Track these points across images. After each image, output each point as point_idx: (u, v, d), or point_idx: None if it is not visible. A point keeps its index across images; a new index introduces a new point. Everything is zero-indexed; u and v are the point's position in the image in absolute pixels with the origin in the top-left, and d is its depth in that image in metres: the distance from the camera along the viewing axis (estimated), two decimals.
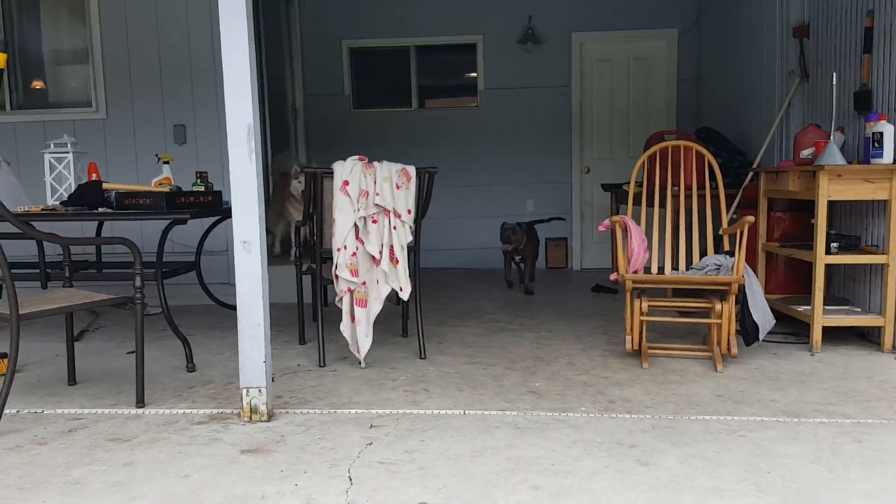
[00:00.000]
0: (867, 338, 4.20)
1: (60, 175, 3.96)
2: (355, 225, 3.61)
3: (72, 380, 3.46)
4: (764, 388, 3.31)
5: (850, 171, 3.86)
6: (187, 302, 5.17)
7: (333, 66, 7.52)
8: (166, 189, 3.79)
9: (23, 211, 3.67)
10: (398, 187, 3.67)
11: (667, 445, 2.62)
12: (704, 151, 4.04)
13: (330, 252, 3.70)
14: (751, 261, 4.61)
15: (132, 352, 3.95)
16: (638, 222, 3.89)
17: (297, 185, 5.46)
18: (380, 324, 4.06)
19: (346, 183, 3.59)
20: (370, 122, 7.54)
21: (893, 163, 3.79)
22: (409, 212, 3.71)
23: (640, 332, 3.79)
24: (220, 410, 3.05)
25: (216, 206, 3.95)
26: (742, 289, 3.69)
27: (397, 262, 3.67)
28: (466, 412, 3.01)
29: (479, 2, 7.39)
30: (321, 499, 2.22)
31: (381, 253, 3.64)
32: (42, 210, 3.71)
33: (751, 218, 3.52)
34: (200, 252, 4.60)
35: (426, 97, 7.63)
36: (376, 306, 3.70)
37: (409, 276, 3.73)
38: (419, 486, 2.29)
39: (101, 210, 3.72)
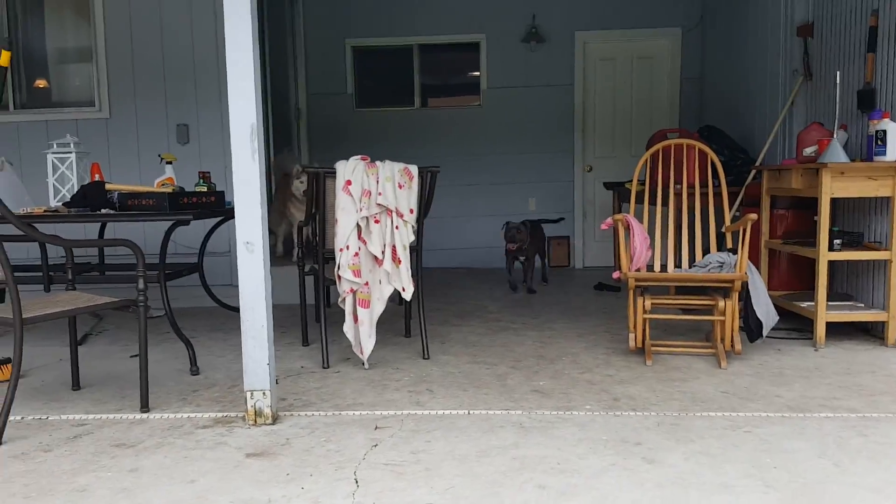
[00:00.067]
0: (870, 333, 4.21)
1: (63, 175, 3.96)
2: (357, 225, 3.61)
3: (76, 384, 3.44)
4: (768, 384, 3.31)
5: (853, 169, 3.86)
6: (190, 304, 5.17)
7: (336, 64, 7.51)
8: (169, 189, 3.79)
9: (25, 212, 3.67)
10: (401, 187, 3.67)
11: (672, 442, 2.62)
12: (707, 149, 4.04)
13: (332, 252, 3.69)
14: (754, 258, 4.61)
15: (135, 355, 3.95)
16: (640, 220, 3.89)
17: (300, 185, 5.46)
18: (382, 324, 4.06)
19: (349, 183, 3.58)
20: (373, 121, 7.54)
21: None
22: (412, 211, 3.70)
23: (644, 330, 3.79)
24: (225, 414, 3.05)
25: (219, 207, 3.94)
26: (745, 286, 3.69)
27: (400, 262, 3.66)
28: (471, 412, 3.00)
29: (483, 1, 7.38)
30: (327, 502, 2.21)
31: (383, 253, 3.64)
32: (45, 211, 3.71)
33: (753, 215, 3.52)
34: (203, 253, 4.60)
35: (429, 96, 7.62)
36: (379, 307, 3.69)
37: (412, 275, 3.73)
38: (425, 488, 2.29)
39: (103, 211, 3.72)
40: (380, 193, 3.60)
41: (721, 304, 3.67)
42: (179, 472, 2.46)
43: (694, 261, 3.96)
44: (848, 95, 4.41)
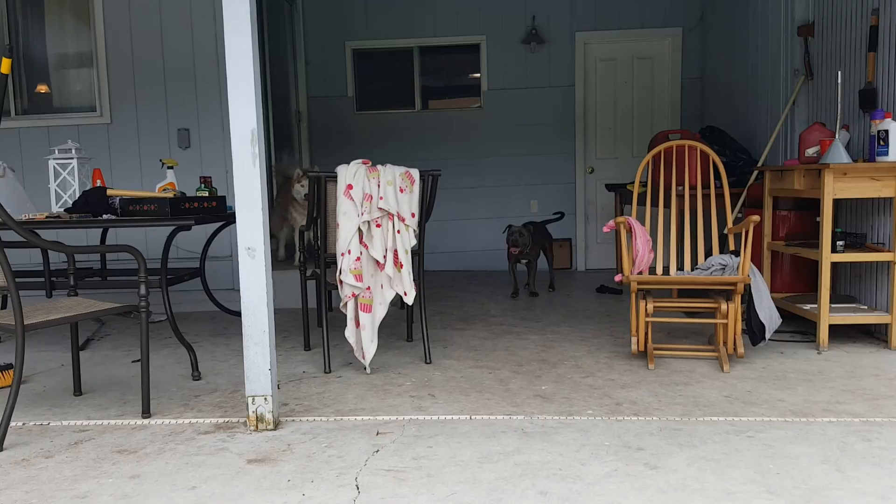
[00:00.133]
0: (874, 335, 4.19)
1: (65, 181, 3.96)
2: (359, 229, 3.60)
3: (77, 390, 3.44)
4: (771, 388, 3.30)
5: (855, 169, 3.85)
6: (192, 308, 5.17)
7: (336, 67, 7.51)
8: (170, 195, 3.79)
9: (27, 219, 3.67)
10: (402, 191, 3.66)
11: (675, 448, 2.61)
12: (709, 151, 4.02)
13: (334, 256, 3.69)
14: (756, 260, 4.60)
15: (137, 360, 3.95)
16: (642, 222, 3.88)
17: (301, 189, 5.46)
18: (384, 328, 4.05)
19: (350, 187, 3.58)
20: (373, 124, 7.53)
21: None
22: (413, 215, 3.70)
23: (646, 334, 3.78)
24: (227, 419, 3.04)
25: (220, 212, 3.94)
26: (748, 288, 3.68)
27: (401, 266, 3.66)
28: (473, 417, 3.00)
29: (483, 2, 7.38)
30: None
31: (385, 257, 3.63)
32: (46, 217, 3.71)
33: (756, 217, 3.51)
34: (205, 258, 4.60)
35: (429, 98, 7.61)
36: (381, 311, 3.69)
37: (414, 279, 3.72)
38: (427, 494, 2.28)
39: (105, 217, 3.71)
40: (381, 197, 3.60)
41: (724, 306, 3.66)
42: (181, 478, 2.46)
43: (696, 263, 3.95)
44: (849, 95, 4.40)
